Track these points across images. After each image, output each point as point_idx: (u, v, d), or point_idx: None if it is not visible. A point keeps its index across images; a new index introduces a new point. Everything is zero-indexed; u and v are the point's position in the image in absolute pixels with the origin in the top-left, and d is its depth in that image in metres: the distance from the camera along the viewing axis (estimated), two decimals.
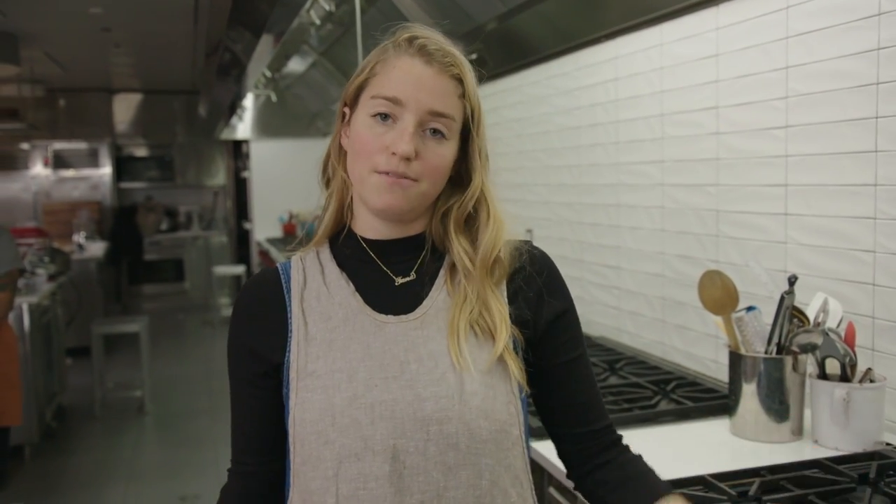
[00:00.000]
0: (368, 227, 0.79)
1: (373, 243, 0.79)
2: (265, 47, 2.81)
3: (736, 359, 1.22)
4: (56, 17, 4.05)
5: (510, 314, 0.76)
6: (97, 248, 5.81)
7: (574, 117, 2.06)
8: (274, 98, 5.03)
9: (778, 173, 1.35)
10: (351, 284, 0.78)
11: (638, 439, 1.21)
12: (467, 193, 0.78)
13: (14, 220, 5.99)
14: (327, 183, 0.82)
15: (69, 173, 6.92)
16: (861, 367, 1.14)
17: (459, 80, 0.75)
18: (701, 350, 1.60)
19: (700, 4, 1.46)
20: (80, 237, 5.89)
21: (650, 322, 1.78)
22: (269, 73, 4.17)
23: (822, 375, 1.15)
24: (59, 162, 6.88)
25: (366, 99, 0.75)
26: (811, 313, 1.19)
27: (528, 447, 0.79)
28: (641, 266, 1.80)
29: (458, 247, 0.77)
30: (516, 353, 0.76)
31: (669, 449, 1.19)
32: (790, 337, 1.18)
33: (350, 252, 0.80)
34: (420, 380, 0.72)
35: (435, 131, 0.74)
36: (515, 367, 0.75)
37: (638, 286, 1.82)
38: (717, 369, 1.53)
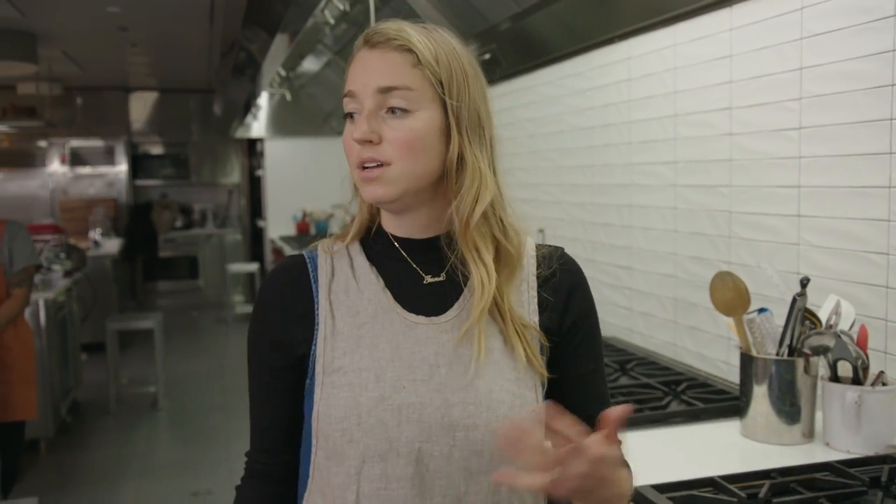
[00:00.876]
0: (394, 224, 0.79)
1: (402, 241, 0.79)
2: (280, 46, 2.83)
3: (747, 360, 1.21)
4: (74, 16, 4.10)
5: (539, 322, 0.76)
6: (113, 245, 5.89)
7: (587, 117, 2.06)
8: (288, 97, 5.08)
9: (791, 175, 1.35)
10: (381, 280, 0.77)
11: (648, 440, 1.22)
12: (447, 160, 0.74)
13: (31, 216, 6.08)
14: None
15: (86, 170, 7.01)
16: (873, 370, 1.13)
17: (409, 50, 0.72)
18: (712, 351, 1.59)
19: (714, 5, 1.45)
20: (95, 234, 5.97)
21: (662, 323, 1.78)
22: (283, 73, 4.21)
23: (834, 378, 1.15)
24: (75, 159, 6.97)
25: None
26: (823, 315, 1.18)
27: None
28: (653, 267, 1.80)
29: (458, 223, 0.75)
30: (542, 355, 0.76)
31: (680, 450, 1.19)
32: (802, 339, 1.17)
33: (380, 248, 0.79)
34: (449, 385, 0.72)
35: (394, 109, 0.72)
36: (534, 359, 0.74)
37: (650, 287, 1.82)
38: (728, 371, 1.52)
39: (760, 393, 1.19)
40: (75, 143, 6.94)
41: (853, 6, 1.20)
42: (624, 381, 1.54)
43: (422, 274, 0.78)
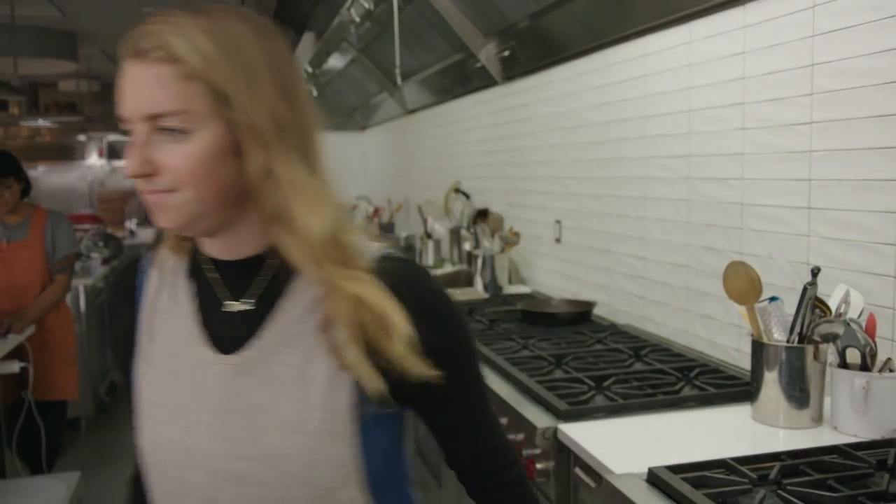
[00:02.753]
0: (204, 244, 0.68)
1: (216, 261, 0.68)
2: (307, 44, 2.90)
3: (758, 347, 1.23)
4: (112, 16, 4.22)
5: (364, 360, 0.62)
6: (147, 235, 6.07)
7: (603, 112, 2.08)
8: (315, 93, 5.15)
9: (802, 168, 1.37)
10: (194, 303, 0.68)
11: (662, 423, 1.25)
12: (249, 176, 0.61)
13: (71, 207, 6.30)
14: None
15: (122, 163, 7.24)
16: (881, 357, 1.15)
17: (174, 60, 0.58)
18: (724, 339, 1.62)
19: (728, 3, 1.47)
20: (131, 224, 6.17)
21: (675, 311, 1.81)
22: (310, 69, 4.28)
23: (843, 364, 1.16)
24: (112, 153, 7.20)
25: None
26: (833, 304, 1.19)
27: (402, 491, 0.71)
28: (667, 257, 1.83)
29: (300, 253, 0.63)
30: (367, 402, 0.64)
31: (692, 433, 1.21)
32: (812, 327, 1.18)
33: (200, 265, 0.70)
34: (235, 435, 0.64)
35: (168, 129, 0.59)
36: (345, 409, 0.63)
37: (663, 276, 1.85)
38: (739, 357, 1.55)
39: (771, 378, 1.20)
40: (112, 137, 7.14)
41: (864, 4, 1.21)
42: (638, 366, 1.58)
43: (230, 300, 0.67)
